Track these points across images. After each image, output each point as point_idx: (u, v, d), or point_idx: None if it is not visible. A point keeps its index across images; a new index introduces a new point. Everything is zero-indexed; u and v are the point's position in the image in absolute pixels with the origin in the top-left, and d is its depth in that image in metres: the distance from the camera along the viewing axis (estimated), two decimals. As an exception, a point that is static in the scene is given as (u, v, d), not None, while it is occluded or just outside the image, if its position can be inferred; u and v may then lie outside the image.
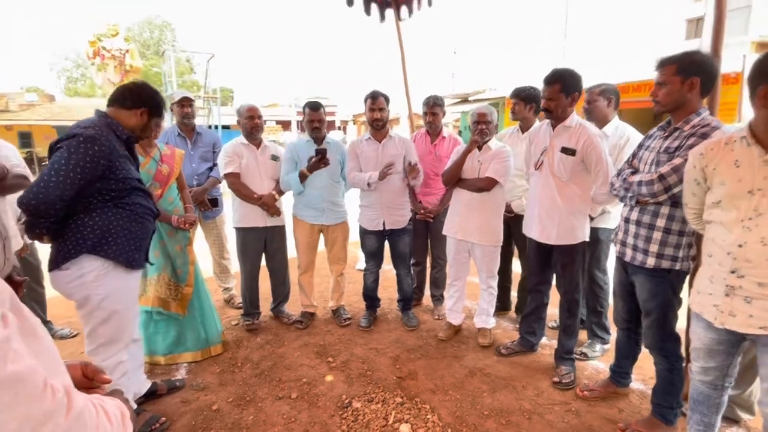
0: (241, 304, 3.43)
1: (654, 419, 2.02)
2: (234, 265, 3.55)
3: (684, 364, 1.99)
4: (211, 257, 3.61)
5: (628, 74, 8.52)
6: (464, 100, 17.22)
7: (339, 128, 31.38)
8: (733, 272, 1.44)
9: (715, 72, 1.77)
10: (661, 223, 1.86)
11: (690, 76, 1.74)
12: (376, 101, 2.90)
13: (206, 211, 3.34)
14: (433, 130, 3.23)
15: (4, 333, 0.46)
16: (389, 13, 4.03)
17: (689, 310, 1.73)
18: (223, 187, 3.33)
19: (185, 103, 3.24)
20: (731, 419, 2.06)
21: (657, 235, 1.86)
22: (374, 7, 3.81)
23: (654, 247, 1.87)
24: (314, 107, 3.00)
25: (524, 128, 3.05)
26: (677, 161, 1.74)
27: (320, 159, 2.86)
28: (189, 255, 2.73)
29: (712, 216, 1.54)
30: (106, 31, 8.41)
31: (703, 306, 1.57)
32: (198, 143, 3.33)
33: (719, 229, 1.50)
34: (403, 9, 3.92)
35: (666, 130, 1.90)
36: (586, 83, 2.49)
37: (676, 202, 1.82)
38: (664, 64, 1.78)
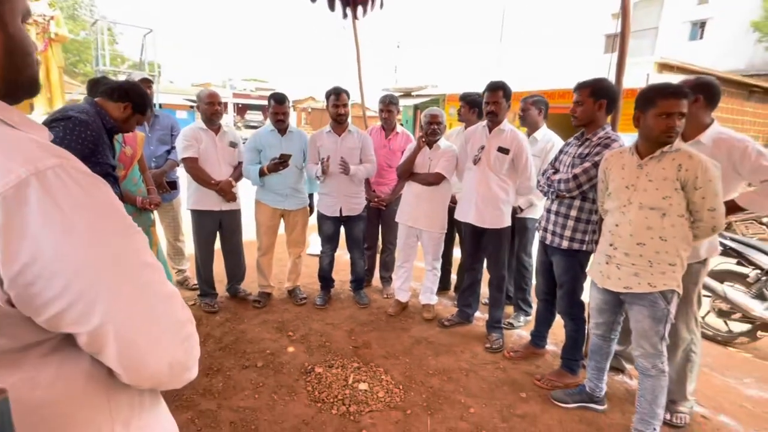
0: (195, 285, 3.52)
1: (562, 371, 2.53)
2: (188, 247, 3.62)
3: (586, 327, 2.51)
4: (165, 240, 3.64)
5: (554, 82, 9.43)
6: (407, 95, 17.71)
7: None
8: (611, 245, 1.94)
9: (616, 96, 2.26)
10: (573, 213, 2.33)
11: (600, 99, 2.21)
12: (339, 97, 3.14)
13: (164, 193, 3.38)
14: (388, 126, 3.54)
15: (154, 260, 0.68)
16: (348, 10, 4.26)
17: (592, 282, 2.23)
18: (179, 170, 3.39)
19: (145, 84, 3.23)
20: (618, 369, 2.63)
21: (570, 223, 2.34)
22: (338, 4, 4.03)
23: (568, 232, 2.34)
24: (279, 100, 3.16)
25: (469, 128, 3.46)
26: (587, 165, 2.21)
27: (281, 163, 3.04)
28: (153, 236, 2.81)
29: (606, 205, 2.04)
30: (26, -7, 7.64)
31: (593, 272, 2.08)
32: (156, 126, 3.35)
33: (609, 215, 2.00)
34: (359, 9, 4.18)
35: (580, 139, 2.38)
36: (519, 87, 2.93)
37: (585, 197, 2.30)
38: (580, 87, 2.24)
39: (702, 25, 16.98)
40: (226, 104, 26.33)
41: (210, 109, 3.07)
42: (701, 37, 16.97)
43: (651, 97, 1.80)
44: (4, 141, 0.52)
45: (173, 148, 3.37)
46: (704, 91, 2.02)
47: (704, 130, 2.04)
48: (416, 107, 16.00)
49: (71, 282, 0.51)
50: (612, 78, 2.35)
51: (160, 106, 12.40)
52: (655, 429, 1.95)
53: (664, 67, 9.39)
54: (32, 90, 0.66)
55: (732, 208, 1.99)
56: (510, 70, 15.29)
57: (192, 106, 13.89)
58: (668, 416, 2.19)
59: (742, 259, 3.36)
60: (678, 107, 1.75)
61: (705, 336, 3.43)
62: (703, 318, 3.51)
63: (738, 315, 3.32)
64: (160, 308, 0.62)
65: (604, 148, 2.19)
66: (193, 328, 0.69)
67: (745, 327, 3.33)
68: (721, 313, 3.41)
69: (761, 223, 5.91)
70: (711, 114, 2.07)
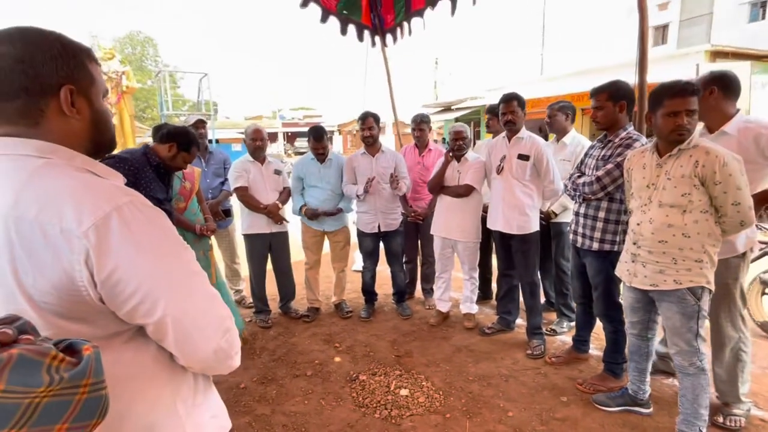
0: (251, 304, 3.83)
1: (605, 374, 2.50)
2: (243, 269, 3.96)
3: (625, 328, 2.47)
4: (223, 262, 4.01)
5: (599, 81, 9.16)
6: (447, 109, 17.86)
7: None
8: (634, 243, 1.95)
9: (633, 96, 2.28)
10: (601, 214, 2.35)
11: (619, 101, 2.25)
12: (365, 122, 3.38)
13: (220, 221, 3.75)
14: (421, 144, 3.71)
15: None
16: (377, 38, 4.54)
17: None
18: (233, 200, 3.75)
19: (199, 125, 3.66)
20: (668, 372, 2.55)
21: (599, 225, 2.35)
22: (366, 34, 4.31)
23: (597, 234, 2.36)
24: (318, 138, 3.44)
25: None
26: (609, 166, 2.24)
27: (315, 215, 3.47)
28: (211, 259, 3.13)
29: (630, 204, 2.05)
30: (102, 55, 8.76)
31: (620, 271, 2.08)
32: (210, 161, 3.75)
33: (632, 214, 2.01)
34: (388, 36, 4.44)
35: (603, 141, 2.40)
36: (561, 91, 2.96)
37: (612, 198, 2.32)
38: (598, 92, 2.29)
39: (763, 4, 15.72)
40: (276, 134, 27.88)
41: (253, 144, 3.41)
42: (763, 18, 15.70)
43: (658, 97, 1.83)
44: (94, 186, 0.74)
45: (227, 179, 3.75)
46: (718, 83, 2.00)
47: (728, 120, 2.01)
48: (457, 120, 16.06)
49: (141, 284, 0.72)
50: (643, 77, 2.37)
51: (217, 141, 13.46)
52: (700, 429, 1.89)
53: (717, 54, 8.85)
54: (111, 148, 0.90)
55: (763, 199, 1.93)
56: (553, 73, 14.98)
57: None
58: (721, 419, 2.11)
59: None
60: (684, 105, 1.76)
61: (775, 337, 3.22)
62: (771, 318, 3.29)
63: (810, 313, 3.09)
64: (205, 305, 0.81)
65: (626, 149, 2.21)
66: (232, 323, 0.88)
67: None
68: (791, 312, 3.18)
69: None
70: (734, 104, 2.04)
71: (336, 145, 30.63)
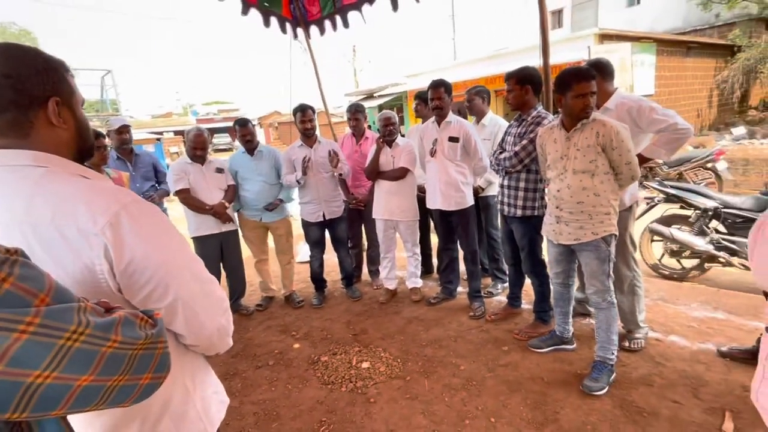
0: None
1: (536, 323, 2.90)
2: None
3: (549, 281, 2.87)
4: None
5: (507, 64, 9.90)
6: (369, 96, 18.07)
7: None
8: (557, 207, 2.29)
9: (540, 80, 2.62)
10: (522, 185, 2.69)
11: (525, 84, 2.58)
12: (305, 114, 3.45)
13: None
14: (358, 132, 3.85)
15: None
16: (299, 30, 4.55)
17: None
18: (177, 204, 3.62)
19: (123, 130, 3.48)
20: (584, 314, 3.00)
21: (521, 194, 2.70)
22: (288, 26, 4.32)
23: (520, 202, 2.70)
24: (242, 123, 3.48)
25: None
26: (524, 142, 2.57)
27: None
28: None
29: (547, 174, 2.39)
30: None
31: (547, 231, 2.43)
32: (138, 164, 3.59)
33: (551, 182, 2.35)
34: (314, 28, 4.48)
35: (518, 121, 2.74)
36: (474, 75, 3.24)
37: (529, 169, 2.66)
38: (508, 77, 2.60)
39: (637, -10, 17.82)
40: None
41: (192, 152, 3.31)
42: (638, 3, 17.82)
43: (567, 81, 2.15)
44: (98, 189, 0.81)
45: (158, 182, 3.62)
46: (599, 69, 2.40)
47: (609, 98, 2.43)
48: (380, 107, 16.33)
49: (155, 273, 0.81)
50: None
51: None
52: (613, 353, 2.31)
53: (605, 37, 9.97)
54: (91, 154, 0.96)
55: (641, 160, 2.37)
56: (464, 61, 15.78)
57: (158, 139, 13.94)
58: (627, 344, 2.57)
59: (683, 203, 3.80)
60: (589, 88, 2.11)
61: (663, 275, 3.88)
62: (659, 260, 3.95)
63: (687, 252, 3.76)
64: (207, 288, 0.92)
65: (537, 126, 2.56)
66: (228, 304, 0.99)
67: (695, 262, 3.77)
68: (673, 253, 3.85)
69: (707, 169, 6.44)
70: (612, 83, 2.47)
71: (258, 139, 29.54)
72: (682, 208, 3.86)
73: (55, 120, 0.82)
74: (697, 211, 3.70)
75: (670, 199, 3.89)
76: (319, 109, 5.07)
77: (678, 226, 3.82)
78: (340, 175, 3.56)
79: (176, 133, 25.35)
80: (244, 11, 4.05)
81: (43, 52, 0.84)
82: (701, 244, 3.60)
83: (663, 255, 3.93)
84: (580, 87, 2.11)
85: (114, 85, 9.27)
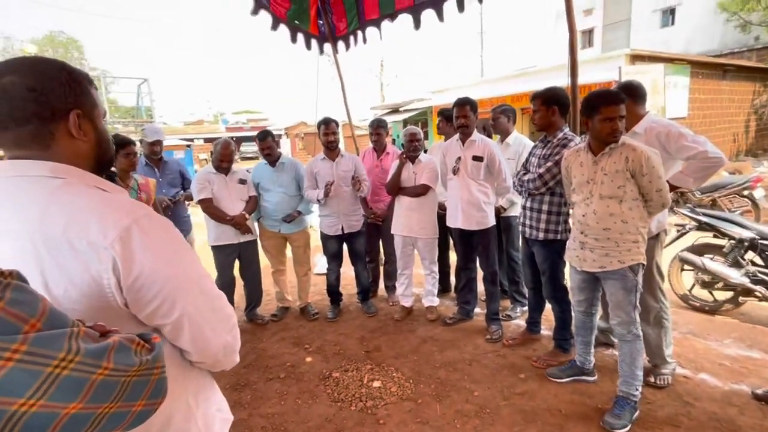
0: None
1: (556, 351, 2.78)
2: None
3: (571, 308, 2.77)
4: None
5: (535, 83, 9.81)
6: (395, 110, 18.20)
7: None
8: (582, 233, 2.21)
9: (566, 100, 2.57)
10: (545, 207, 2.62)
11: (551, 105, 2.52)
12: (328, 127, 3.47)
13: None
14: (379, 147, 3.86)
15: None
16: (326, 45, 4.63)
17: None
18: (199, 212, 3.68)
19: (156, 143, 3.58)
20: (607, 344, 2.87)
21: (543, 216, 2.62)
22: (314, 42, 4.40)
23: (542, 225, 2.63)
24: (261, 138, 3.53)
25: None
26: (549, 164, 2.51)
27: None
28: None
29: (572, 198, 2.32)
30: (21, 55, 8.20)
31: (570, 257, 2.34)
32: (165, 171, 3.68)
33: (576, 207, 2.27)
34: (340, 43, 4.55)
35: (544, 142, 2.68)
36: (501, 92, 3.22)
37: (553, 192, 2.59)
38: (534, 98, 2.56)
39: (672, 12, 17.49)
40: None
41: (217, 163, 3.38)
42: (672, 24, 17.47)
43: (594, 104, 2.09)
44: (111, 202, 0.81)
45: (184, 189, 3.70)
46: (629, 92, 2.33)
47: (639, 121, 2.35)
48: (405, 122, 16.42)
49: (162, 288, 0.80)
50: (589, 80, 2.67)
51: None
52: (637, 389, 2.19)
53: (636, 57, 9.78)
54: (111, 166, 0.97)
55: (671, 186, 2.27)
56: (492, 74, 15.74)
57: (188, 145, 14.38)
58: (652, 379, 2.43)
59: (717, 232, 3.62)
60: (618, 112, 2.04)
61: (693, 307, 3.69)
62: (689, 290, 3.76)
63: (720, 284, 3.57)
64: (215, 304, 0.91)
65: (562, 148, 2.49)
66: (236, 320, 0.98)
67: (728, 295, 3.58)
68: (705, 285, 3.65)
69: (743, 197, 6.16)
70: (643, 106, 2.39)
71: (284, 148, 30.11)
72: (715, 237, 3.69)
73: (76, 132, 0.83)
74: (732, 241, 3.52)
75: (702, 227, 3.71)
76: (344, 122, 5.15)
77: (710, 256, 3.64)
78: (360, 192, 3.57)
79: (206, 140, 26.11)
80: (274, 26, 4.15)
81: (67, 64, 0.85)
82: (736, 276, 3.41)
83: (693, 285, 3.75)
84: (608, 110, 2.05)
85: (149, 93, 9.62)
